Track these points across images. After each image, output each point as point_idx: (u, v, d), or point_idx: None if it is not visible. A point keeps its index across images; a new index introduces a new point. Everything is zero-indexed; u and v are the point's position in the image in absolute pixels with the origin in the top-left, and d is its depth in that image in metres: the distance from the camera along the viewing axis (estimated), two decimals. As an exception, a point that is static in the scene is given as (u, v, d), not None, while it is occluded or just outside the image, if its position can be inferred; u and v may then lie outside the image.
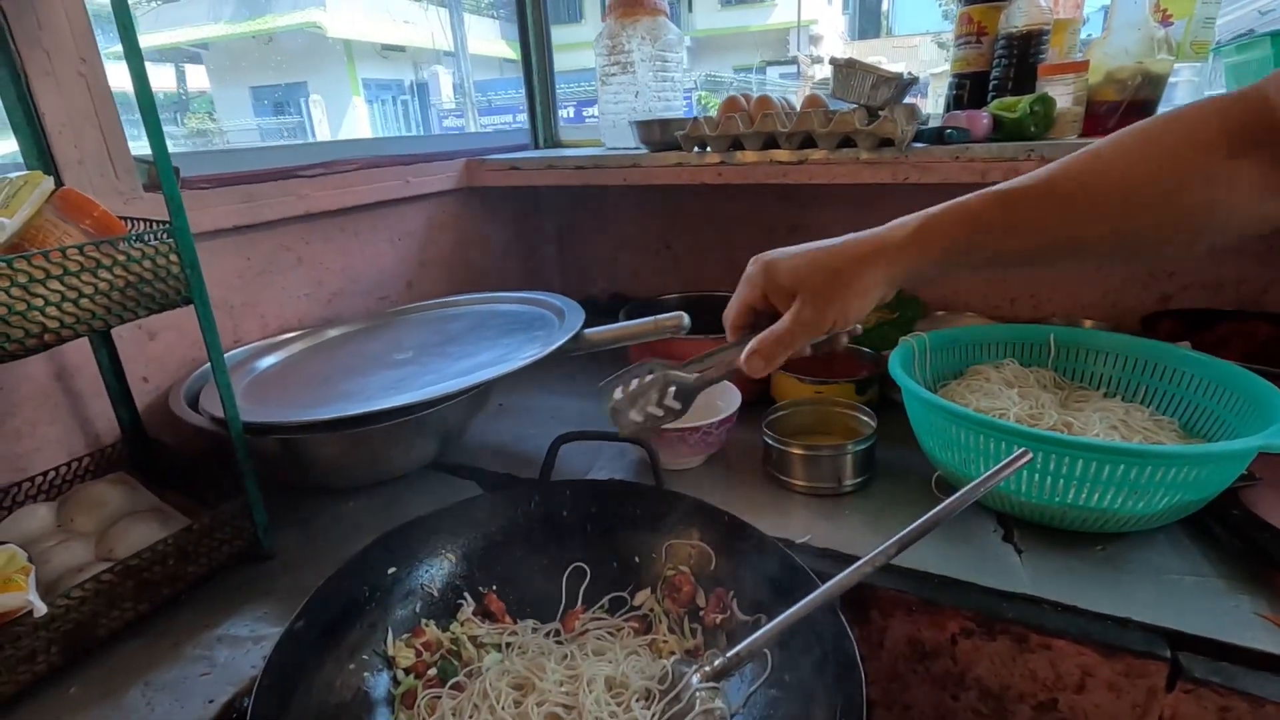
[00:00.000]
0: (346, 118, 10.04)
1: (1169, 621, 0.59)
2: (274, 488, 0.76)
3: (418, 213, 1.24)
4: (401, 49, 10.81)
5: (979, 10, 1.03)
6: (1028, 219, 0.47)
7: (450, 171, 1.27)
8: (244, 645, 0.63)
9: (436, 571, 0.69)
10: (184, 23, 9.48)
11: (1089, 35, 1.03)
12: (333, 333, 1.03)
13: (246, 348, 0.97)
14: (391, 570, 0.67)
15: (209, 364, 0.67)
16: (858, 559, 0.69)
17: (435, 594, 0.68)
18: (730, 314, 0.54)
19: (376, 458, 0.82)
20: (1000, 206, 0.48)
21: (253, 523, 0.72)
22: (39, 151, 0.73)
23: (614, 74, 1.25)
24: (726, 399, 0.91)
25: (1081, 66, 0.93)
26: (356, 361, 0.92)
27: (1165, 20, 0.98)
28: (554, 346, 0.79)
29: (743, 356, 0.53)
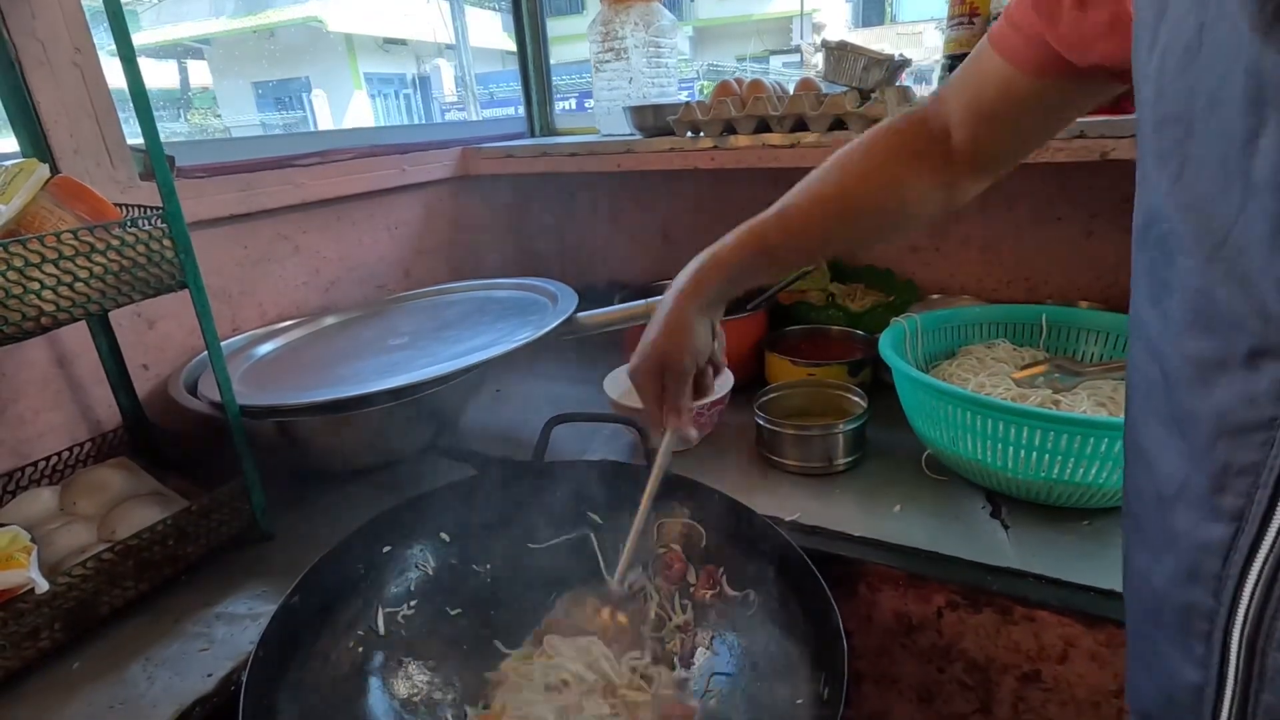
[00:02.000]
0: (349, 112, 10.04)
1: (1152, 593, 0.59)
2: (273, 472, 0.77)
3: (414, 201, 1.25)
4: (403, 42, 10.79)
5: (971, -10, 1.02)
6: (781, 232, 0.61)
7: (446, 160, 1.27)
8: (242, 622, 0.64)
9: (431, 550, 0.71)
10: (185, 19, 9.49)
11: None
12: (330, 320, 1.04)
13: (245, 335, 0.98)
14: (386, 548, 0.68)
15: (207, 350, 0.68)
16: (847, 536, 0.71)
17: (430, 571, 0.69)
18: (652, 412, 0.64)
19: (373, 440, 0.83)
20: (760, 230, 0.61)
21: (251, 504, 0.73)
22: (35, 141, 0.74)
23: (608, 61, 1.25)
24: (719, 381, 0.91)
25: (1073, 45, 0.93)
26: (353, 347, 0.93)
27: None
28: (547, 329, 0.80)
29: (667, 423, 0.63)
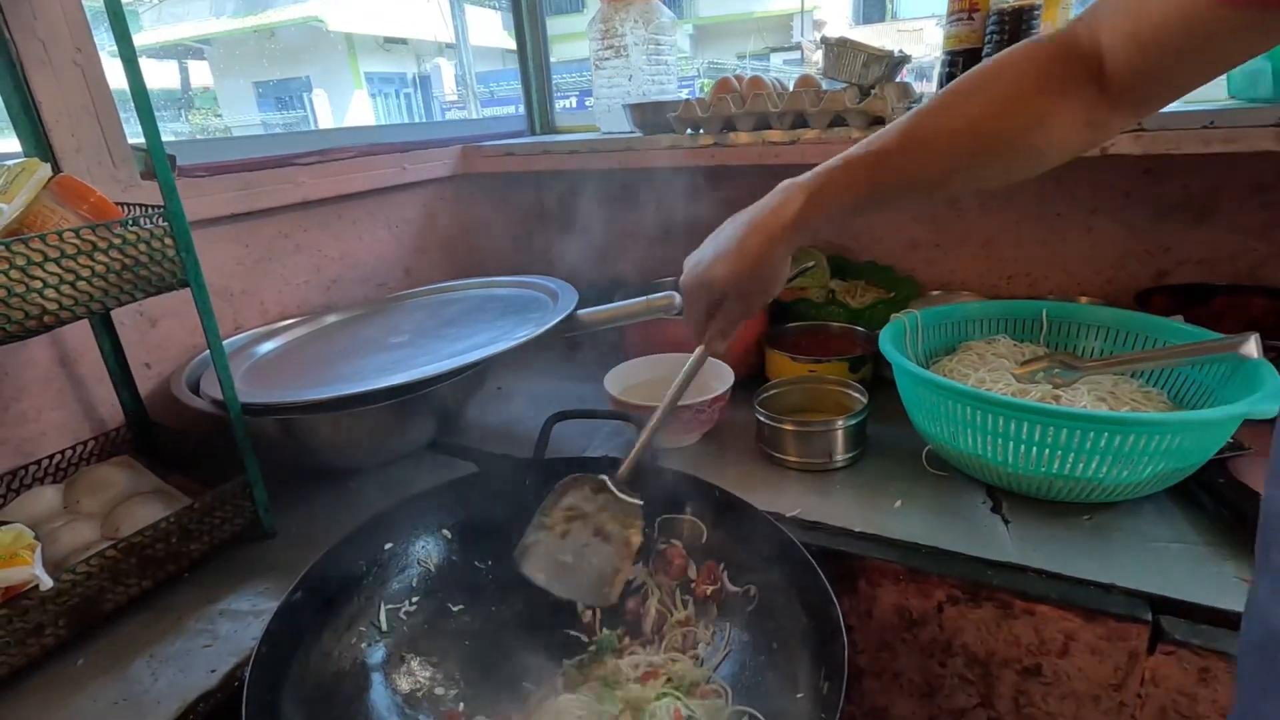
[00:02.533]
0: (350, 112, 10.03)
1: (1152, 586, 0.59)
2: (276, 470, 0.77)
3: (415, 200, 1.25)
4: (403, 41, 10.79)
5: (971, -14, 1.02)
6: (896, 168, 0.54)
7: (447, 158, 1.27)
8: (245, 619, 0.64)
9: (433, 547, 0.71)
10: (186, 19, 9.50)
11: (1079, 9, 1.02)
12: (331, 319, 1.04)
13: (246, 334, 0.98)
14: (388, 545, 0.68)
15: (209, 349, 0.68)
16: (848, 531, 0.71)
17: (431, 568, 0.70)
18: (695, 327, 0.63)
19: (374, 438, 0.83)
20: (872, 163, 0.54)
21: (253, 502, 0.74)
22: (37, 140, 0.75)
23: (607, 58, 1.25)
24: (720, 377, 0.92)
25: (1073, 41, 0.93)
26: (354, 346, 0.93)
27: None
28: (547, 327, 0.80)
29: (707, 346, 0.63)
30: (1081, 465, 0.65)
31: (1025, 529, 0.69)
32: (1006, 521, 0.70)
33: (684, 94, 1.32)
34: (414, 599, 0.67)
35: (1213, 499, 0.68)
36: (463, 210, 1.36)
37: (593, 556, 0.66)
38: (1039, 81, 0.50)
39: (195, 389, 0.84)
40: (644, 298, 0.87)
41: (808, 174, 0.56)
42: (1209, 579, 0.60)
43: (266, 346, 0.96)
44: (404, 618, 0.66)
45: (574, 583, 0.65)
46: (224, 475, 0.73)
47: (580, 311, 0.87)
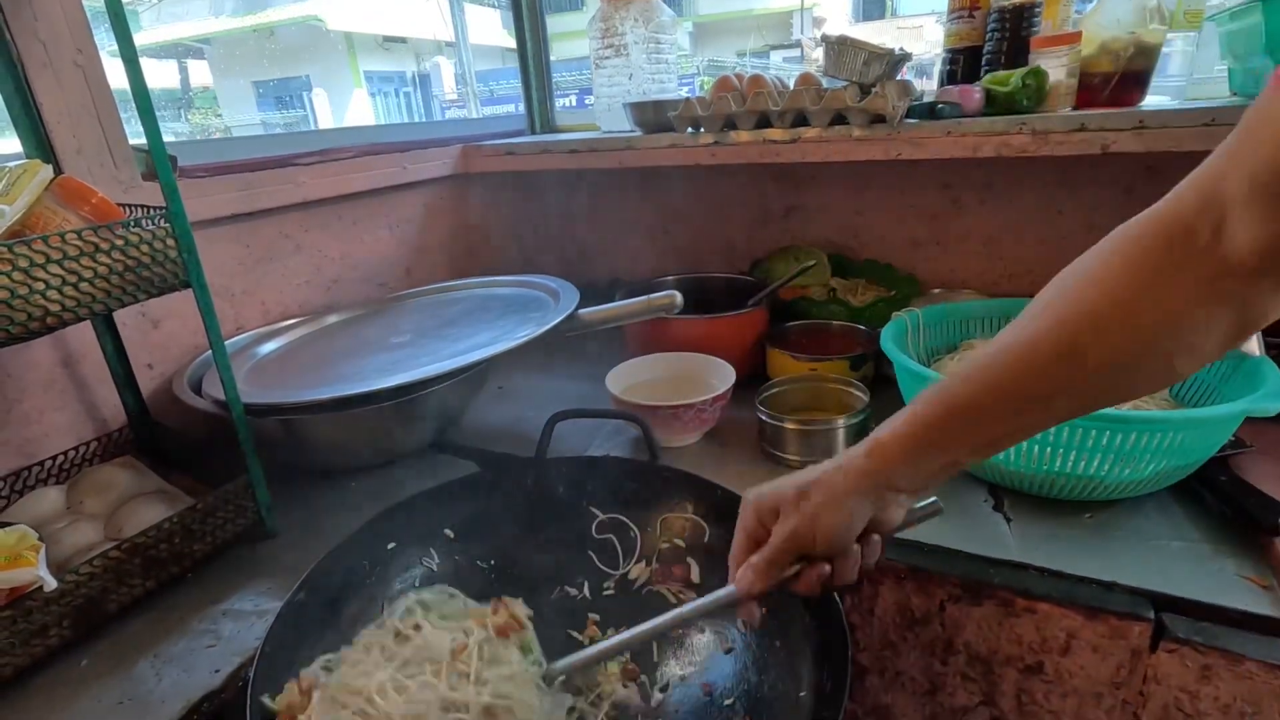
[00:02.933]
0: (349, 111, 10.04)
1: (1154, 584, 0.59)
2: (278, 470, 0.77)
3: (415, 199, 1.25)
4: (403, 40, 10.78)
5: (972, -16, 1.02)
6: (986, 415, 0.45)
7: (447, 158, 1.27)
8: (248, 619, 0.65)
9: (435, 546, 0.71)
10: (185, 19, 9.50)
11: (1079, 11, 1.02)
12: (332, 319, 1.05)
13: (248, 334, 0.98)
14: (391, 545, 0.68)
15: (211, 349, 0.68)
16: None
17: (434, 568, 0.70)
18: (735, 550, 0.53)
19: (376, 438, 0.83)
20: (953, 412, 0.45)
21: (256, 502, 0.74)
22: (38, 142, 0.75)
23: (608, 57, 1.25)
24: (721, 376, 0.92)
25: (1074, 38, 0.93)
26: (355, 346, 0.93)
27: (1159, -10, 0.97)
28: (548, 326, 0.80)
29: (737, 574, 0.51)
30: (1083, 463, 0.65)
31: (1027, 527, 0.69)
32: (1008, 520, 0.70)
33: (684, 92, 1.32)
34: (417, 598, 0.67)
35: (1215, 496, 0.68)
36: (463, 209, 1.36)
37: None
38: (1149, 274, 0.39)
39: (197, 389, 0.84)
40: (645, 297, 0.87)
41: (892, 432, 0.47)
42: (1211, 577, 0.60)
43: (268, 347, 0.96)
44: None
45: None
46: (226, 475, 0.73)
47: (581, 311, 0.87)
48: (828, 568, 0.48)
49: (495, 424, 1.00)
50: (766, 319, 1.08)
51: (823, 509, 0.47)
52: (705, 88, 1.16)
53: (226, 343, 0.72)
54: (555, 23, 1.54)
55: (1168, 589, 0.59)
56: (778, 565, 0.49)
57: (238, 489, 0.72)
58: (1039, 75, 0.93)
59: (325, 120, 9.05)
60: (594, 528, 0.74)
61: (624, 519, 0.74)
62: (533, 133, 1.51)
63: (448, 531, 0.72)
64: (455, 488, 0.74)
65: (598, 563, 0.73)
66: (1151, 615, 0.57)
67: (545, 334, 0.79)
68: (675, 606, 0.58)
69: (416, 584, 0.68)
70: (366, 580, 0.65)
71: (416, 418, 0.84)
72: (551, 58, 1.51)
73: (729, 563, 0.53)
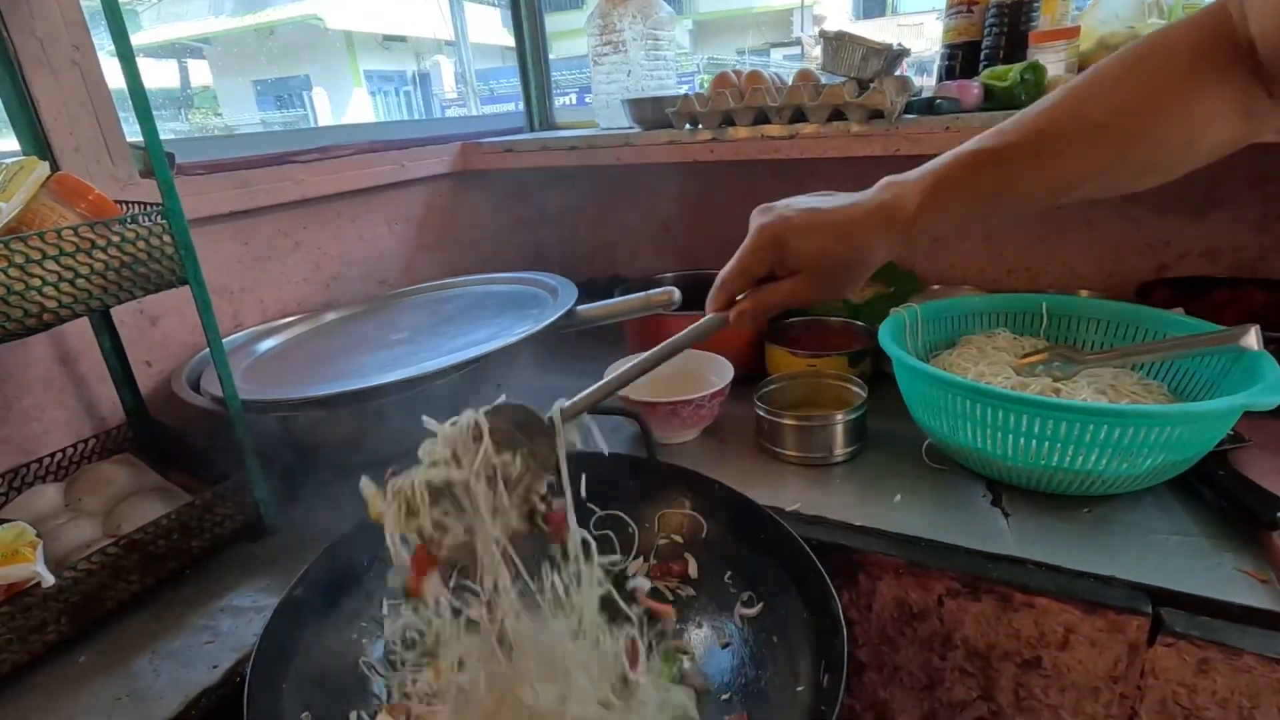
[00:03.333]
0: (349, 110, 10.03)
1: (1152, 579, 0.59)
2: (276, 466, 0.77)
3: (414, 197, 1.25)
4: (403, 39, 10.77)
5: (971, -21, 1.02)
6: (1026, 168, 0.48)
7: (446, 155, 1.27)
8: (246, 615, 0.65)
9: (433, 543, 0.71)
10: (185, 18, 9.49)
11: (1079, 6, 1.02)
12: (331, 316, 1.05)
13: (246, 332, 0.98)
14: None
15: (209, 345, 0.68)
16: (848, 525, 0.71)
17: (432, 564, 0.70)
18: (730, 280, 0.54)
19: (374, 434, 0.83)
20: (996, 162, 0.48)
21: (254, 499, 0.74)
22: (35, 139, 0.75)
23: (606, 54, 1.25)
24: (719, 372, 0.92)
25: (1072, 32, 0.93)
26: (353, 343, 0.93)
27: (1158, -16, 0.97)
28: (547, 322, 0.80)
29: (733, 313, 0.54)
30: (1081, 458, 0.65)
31: (1025, 521, 0.69)
32: (1006, 514, 0.70)
33: (684, 90, 1.32)
34: (415, 594, 0.67)
35: (1213, 491, 0.68)
36: (463, 207, 1.36)
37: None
38: (1187, 68, 0.44)
39: (196, 387, 0.84)
40: (644, 293, 0.86)
41: (914, 172, 0.50)
42: (1209, 571, 0.60)
43: (266, 344, 0.96)
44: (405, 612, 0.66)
45: None
46: (225, 473, 0.73)
47: (580, 307, 0.87)
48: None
49: (494, 421, 1.00)
50: (765, 315, 1.08)
51: (853, 252, 0.49)
52: (705, 85, 1.15)
53: (225, 340, 0.72)
54: (555, 21, 1.53)
55: (1166, 583, 0.59)
56: (771, 310, 0.52)
57: (236, 486, 0.72)
58: (1037, 70, 0.93)
59: (325, 120, 9.05)
60: (591, 524, 0.74)
61: (622, 515, 0.74)
62: (532, 130, 1.51)
63: (445, 527, 0.72)
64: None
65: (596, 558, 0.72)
66: (1149, 609, 0.57)
67: (544, 330, 0.79)
68: (671, 602, 0.59)
69: (414, 580, 0.68)
70: (365, 576, 0.65)
71: (415, 414, 0.84)
72: (551, 56, 1.51)
73: (717, 287, 0.54)
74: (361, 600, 0.64)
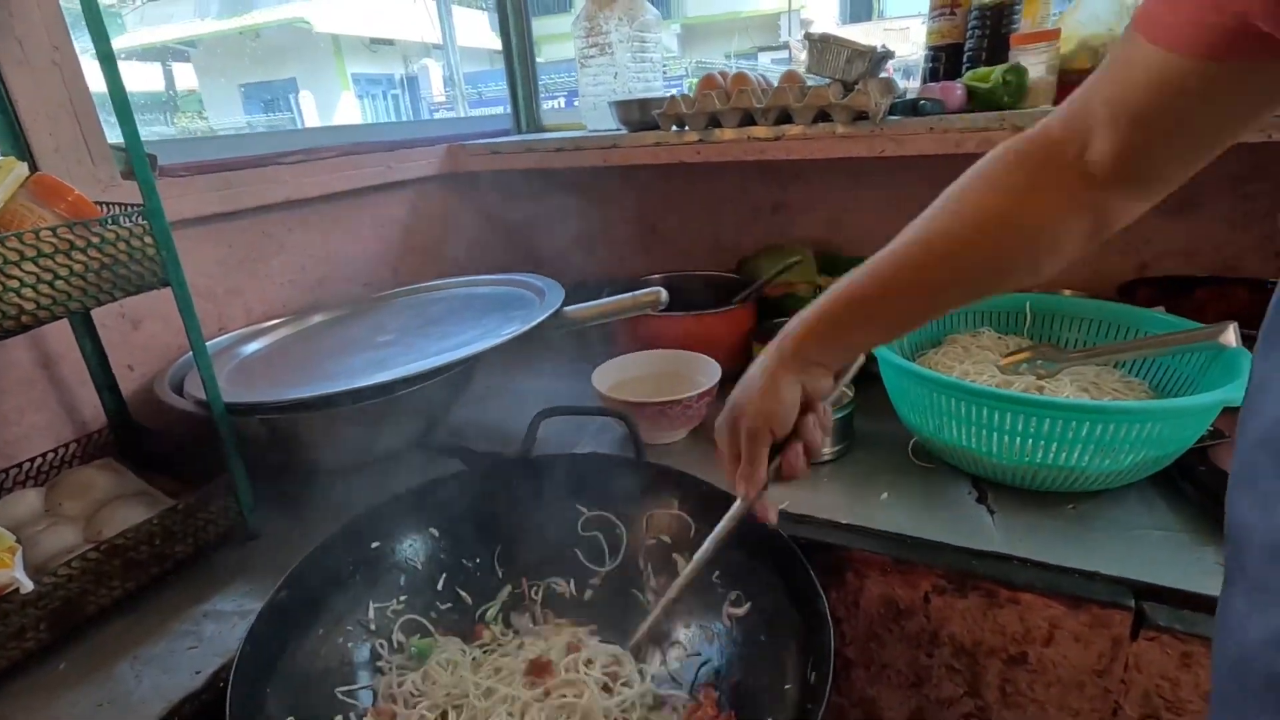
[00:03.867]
0: (337, 114, 9.98)
1: (1135, 574, 0.60)
2: (261, 470, 0.76)
3: (401, 199, 1.25)
4: (390, 42, 10.74)
5: (953, -17, 1.03)
6: (873, 301, 0.53)
7: (433, 157, 1.27)
8: (230, 620, 0.64)
9: (420, 545, 0.71)
10: (171, 20, 9.42)
11: (1059, 9, 1.03)
12: (316, 318, 1.04)
13: (231, 335, 0.97)
14: (375, 544, 0.68)
15: (191, 348, 0.67)
16: (834, 524, 0.71)
17: (419, 566, 0.69)
18: (727, 467, 0.59)
19: (360, 437, 0.82)
20: (847, 302, 0.54)
21: (238, 503, 0.73)
22: (15, 140, 0.74)
23: (593, 56, 1.25)
24: (707, 372, 0.92)
25: (1053, 35, 0.94)
26: (339, 345, 0.93)
27: (1138, -13, 0.98)
28: (533, 323, 0.80)
29: (738, 482, 0.57)
30: (1065, 454, 0.65)
31: (1010, 518, 0.69)
32: (992, 512, 0.70)
33: (672, 92, 1.33)
34: (401, 598, 0.67)
35: (1194, 486, 0.69)
36: (449, 209, 1.35)
37: None
38: (1020, 179, 0.48)
39: (180, 391, 0.83)
40: (631, 294, 0.87)
41: (791, 328, 0.55)
42: (1190, 565, 0.60)
43: (251, 347, 0.95)
44: (391, 616, 0.65)
45: None
46: (208, 477, 0.72)
47: (567, 308, 0.86)
48: (799, 445, 0.56)
49: (481, 422, 1.00)
50: (753, 316, 1.08)
51: (764, 396, 0.55)
52: (693, 88, 1.16)
53: (209, 344, 0.71)
54: (543, 25, 1.54)
55: (1148, 578, 0.59)
56: (758, 460, 0.55)
57: (219, 490, 0.72)
58: (1019, 72, 0.94)
59: (312, 123, 9.01)
60: (580, 525, 0.74)
61: (610, 516, 0.74)
62: (519, 132, 1.50)
63: (432, 530, 0.72)
64: (440, 486, 0.74)
65: (583, 559, 0.73)
66: (1132, 604, 0.58)
67: (530, 331, 0.79)
68: (649, 609, 0.60)
69: (401, 583, 0.68)
70: (350, 580, 0.65)
71: (401, 417, 0.83)
72: (540, 59, 1.51)
73: (726, 480, 0.59)
74: (347, 604, 0.64)
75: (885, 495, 0.75)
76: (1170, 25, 0.38)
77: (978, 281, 0.51)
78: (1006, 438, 0.67)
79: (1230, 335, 0.68)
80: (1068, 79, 0.95)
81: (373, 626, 0.64)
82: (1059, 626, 0.60)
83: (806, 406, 0.56)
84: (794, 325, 0.55)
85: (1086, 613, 0.59)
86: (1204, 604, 0.57)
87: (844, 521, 0.71)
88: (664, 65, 1.34)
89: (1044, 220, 0.48)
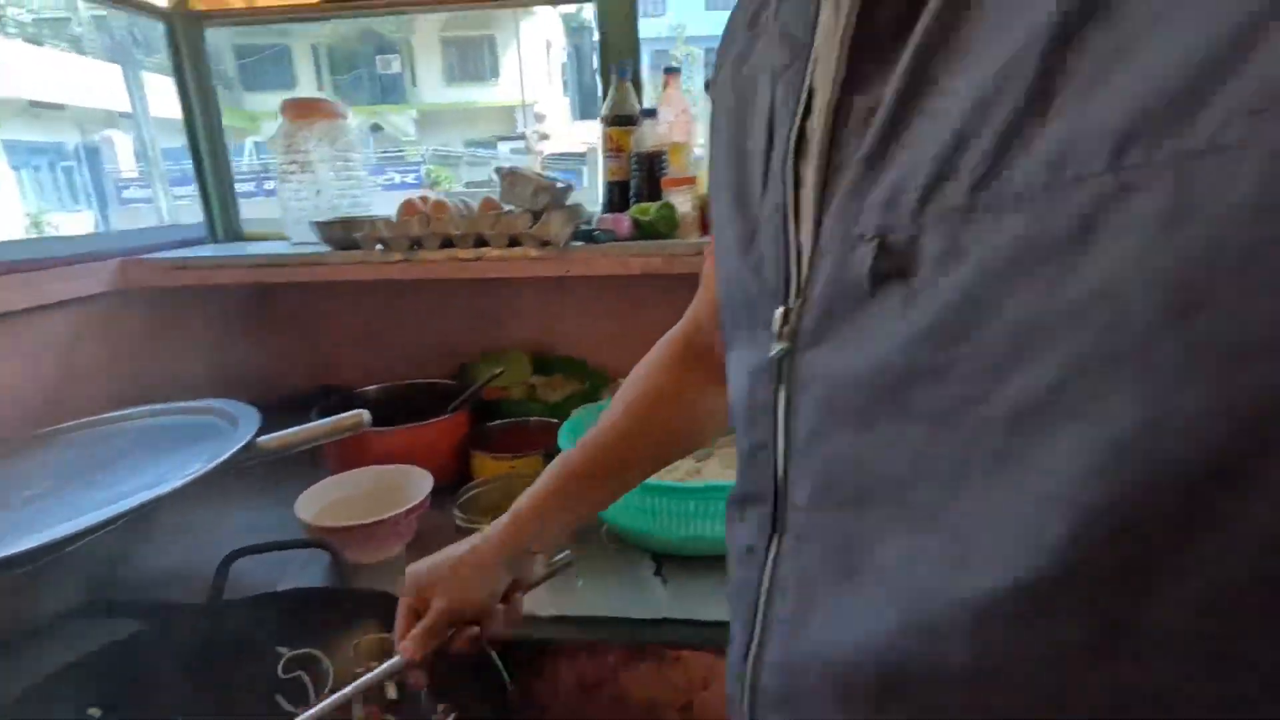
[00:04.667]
0: (-22, 188, 8.16)
1: (763, 616, 0.76)
2: None
3: (60, 322, 1.10)
4: (60, 107, 9.17)
5: (616, 131, 1.24)
6: (569, 479, 0.61)
7: (103, 274, 1.15)
8: None
9: (78, 733, 0.63)
10: None
11: (699, 157, 1.30)
12: (-66, 474, 0.87)
13: None
14: (14, 745, 0.59)
15: None
16: (538, 617, 0.78)
17: (76, 759, 0.62)
18: (399, 622, 0.60)
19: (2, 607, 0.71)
20: (547, 485, 0.61)
21: None
22: None
23: (293, 172, 1.25)
24: (417, 486, 0.95)
25: (692, 180, 1.18)
26: (-34, 506, 0.79)
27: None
28: (217, 462, 0.77)
29: (400, 645, 0.59)
30: (716, 527, 0.81)
31: (680, 586, 0.82)
32: (665, 581, 0.83)
33: (409, 179, 1.37)
34: (49, 802, 0.59)
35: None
36: (128, 329, 1.22)
37: None
38: (670, 366, 0.58)
39: None
40: (331, 419, 0.88)
41: (501, 521, 0.60)
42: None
43: None
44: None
45: None
46: None
47: (260, 439, 0.84)
48: (477, 629, 0.59)
49: (167, 569, 0.91)
50: (469, 422, 1.14)
51: (471, 581, 0.58)
52: (432, 175, 1.21)
53: None
54: (263, 100, 1.48)
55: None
56: (435, 633, 0.58)
57: None
58: (670, 208, 1.16)
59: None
60: (280, 667, 0.71)
61: (315, 652, 0.73)
62: (214, 240, 1.42)
63: (93, 711, 0.64)
64: (104, 656, 0.67)
65: (285, 705, 0.70)
66: (760, 642, 0.73)
67: (214, 470, 0.76)
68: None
69: (50, 783, 0.60)
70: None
71: (52, 582, 0.74)
72: (257, 137, 1.46)
73: (394, 634, 0.60)
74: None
75: (581, 582, 0.84)
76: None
77: (662, 448, 0.61)
78: (668, 518, 0.81)
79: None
80: (709, 215, 1.20)
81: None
82: (715, 674, 0.74)
83: (504, 597, 0.61)
84: (518, 507, 0.60)
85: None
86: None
87: (545, 615, 0.78)
88: (400, 150, 1.39)
89: (699, 396, 0.57)
